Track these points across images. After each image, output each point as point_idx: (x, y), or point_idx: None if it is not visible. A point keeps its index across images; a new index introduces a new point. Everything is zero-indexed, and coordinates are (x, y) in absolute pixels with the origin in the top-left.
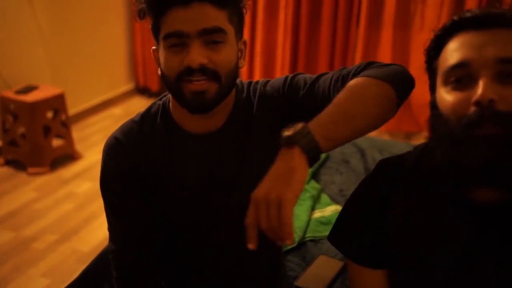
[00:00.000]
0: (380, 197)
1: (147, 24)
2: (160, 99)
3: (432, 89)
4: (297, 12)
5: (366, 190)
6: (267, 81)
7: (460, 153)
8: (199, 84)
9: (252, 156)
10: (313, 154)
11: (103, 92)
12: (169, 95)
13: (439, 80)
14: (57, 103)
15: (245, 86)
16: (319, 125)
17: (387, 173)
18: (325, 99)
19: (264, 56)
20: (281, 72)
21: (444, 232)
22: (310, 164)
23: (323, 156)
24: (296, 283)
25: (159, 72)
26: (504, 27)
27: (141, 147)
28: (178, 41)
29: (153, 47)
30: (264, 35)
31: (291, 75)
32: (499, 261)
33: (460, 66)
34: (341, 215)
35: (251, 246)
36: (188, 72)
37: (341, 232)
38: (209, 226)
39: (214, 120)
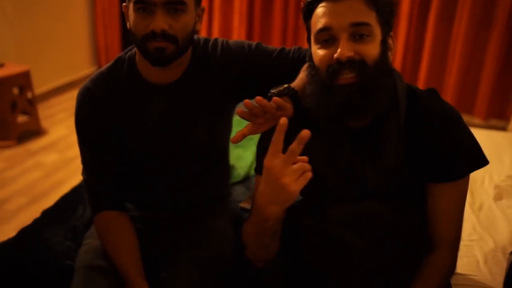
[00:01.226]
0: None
1: (109, 8)
2: (126, 53)
3: (309, 42)
4: None
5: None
6: (227, 40)
7: (327, 98)
8: (160, 43)
9: (207, 104)
10: (296, 102)
11: (66, 74)
12: (135, 49)
13: (312, 38)
14: (23, 80)
15: (202, 42)
16: (297, 86)
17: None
18: (291, 68)
19: None
20: None
21: (333, 151)
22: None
23: None
24: (241, 204)
25: (129, 27)
26: None
27: (108, 95)
28: (145, 7)
29: (124, 3)
30: (220, 20)
31: (252, 42)
32: (369, 159)
33: (324, 29)
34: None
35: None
36: (152, 35)
37: (259, 163)
38: (166, 160)
39: (172, 72)
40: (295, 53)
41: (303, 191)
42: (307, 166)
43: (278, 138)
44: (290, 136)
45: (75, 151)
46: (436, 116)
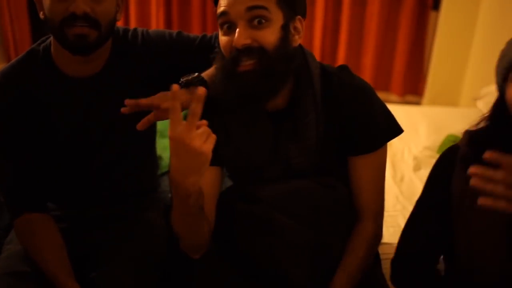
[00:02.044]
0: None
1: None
2: (39, 45)
3: None
4: None
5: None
6: (147, 29)
7: (229, 85)
8: (81, 28)
9: (130, 96)
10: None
11: None
12: (49, 40)
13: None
14: None
15: (121, 32)
16: (208, 76)
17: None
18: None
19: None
20: None
21: (255, 133)
22: None
23: None
24: (171, 194)
25: (42, 16)
26: None
27: (22, 90)
28: None
29: None
30: (137, 7)
31: (173, 31)
32: (291, 138)
33: (222, 15)
34: None
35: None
36: (72, 18)
37: None
38: (89, 155)
39: (93, 64)
40: (217, 39)
41: (232, 175)
42: (209, 129)
43: (174, 107)
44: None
45: None
46: (349, 91)
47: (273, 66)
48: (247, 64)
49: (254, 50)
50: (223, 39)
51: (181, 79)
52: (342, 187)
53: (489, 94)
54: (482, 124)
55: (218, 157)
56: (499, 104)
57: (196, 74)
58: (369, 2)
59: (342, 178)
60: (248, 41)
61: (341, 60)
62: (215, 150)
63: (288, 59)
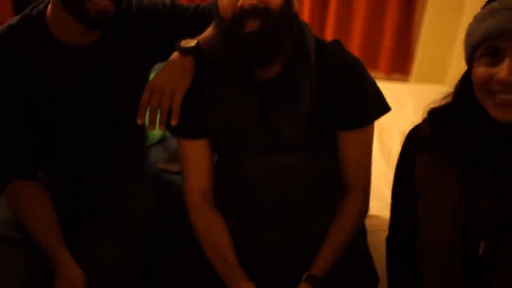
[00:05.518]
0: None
1: None
2: (32, 10)
3: None
4: None
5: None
6: None
7: (233, 47)
8: (104, 4)
9: (125, 64)
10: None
11: None
12: (43, 5)
13: None
14: None
15: None
16: (206, 43)
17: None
18: (206, 23)
19: None
20: None
21: (245, 102)
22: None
23: None
24: (159, 165)
25: None
26: None
27: (14, 56)
28: None
29: None
30: None
31: (166, 0)
32: (283, 108)
33: None
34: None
35: (139, 121)
36: None
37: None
38: (81, 124)
39: (92, 34)
40: (212, 8)
41: (219, 148)
42: None
43: None
44: (201, 90)
45: None
46: (342, 66)
47: (278, 27)
48: (252, 24)
49: (259, 11)
50: (224, 1)
51: (178, 44)
52: (330, 161)
53: None
54: (446, 101)
55: (205, 130)
56: (466, 79)
57: (194, 42)
58: None
59: (330, 152)
60: (254, 1)
61: (329, 37)
62: (202, 122)
63: (291, 21)
